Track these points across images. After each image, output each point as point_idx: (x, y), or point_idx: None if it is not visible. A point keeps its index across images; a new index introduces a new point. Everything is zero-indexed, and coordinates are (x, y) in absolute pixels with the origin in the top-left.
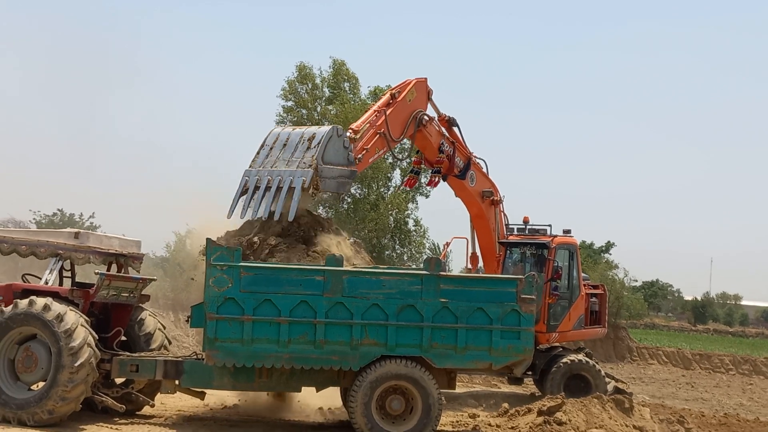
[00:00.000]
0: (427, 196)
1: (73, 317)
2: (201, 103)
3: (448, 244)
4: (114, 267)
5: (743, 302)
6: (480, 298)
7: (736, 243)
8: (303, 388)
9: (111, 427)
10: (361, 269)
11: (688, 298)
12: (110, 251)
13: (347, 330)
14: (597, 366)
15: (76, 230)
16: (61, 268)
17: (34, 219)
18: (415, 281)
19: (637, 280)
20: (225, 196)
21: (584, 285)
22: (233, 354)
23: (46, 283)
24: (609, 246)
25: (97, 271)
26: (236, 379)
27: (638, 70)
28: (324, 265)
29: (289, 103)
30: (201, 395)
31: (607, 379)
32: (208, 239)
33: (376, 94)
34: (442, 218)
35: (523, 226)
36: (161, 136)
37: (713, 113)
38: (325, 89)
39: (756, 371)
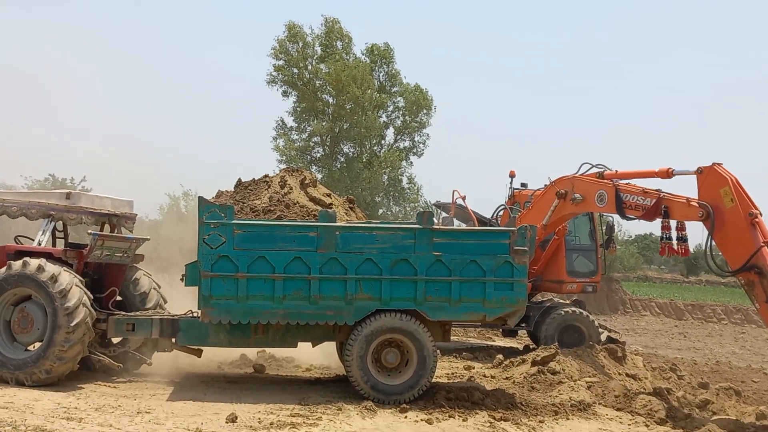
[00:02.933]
0: (420, 155)
1: (67, 277)
2: (189, 65)
3: (462, 197)
4: (107, 227)
5: None
6: (473, 251)
7: None
8: (299, 343)
9: (109, 386)
10: (354, 224)
11: None
12: (102, 211)
13: (341, 285)
14: (590, 317)
15: (67, 191)
16: (54, 229)
17: (25, 184)
18: (408, 235)
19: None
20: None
21: None
22: (229, 311)
23: (39, 244)
24: None
25: (90, 231)
26: (232, 336)
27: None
28: (317, 221)
29: (280, 62)
30: (198, 353)
31: (600, 330)
32: (200, 197)
33: (372, 51)
34: (436, 175)
35: None
36: (151, 99)
37: (700, 63)
38: (317, 48)
39: (748, 320)
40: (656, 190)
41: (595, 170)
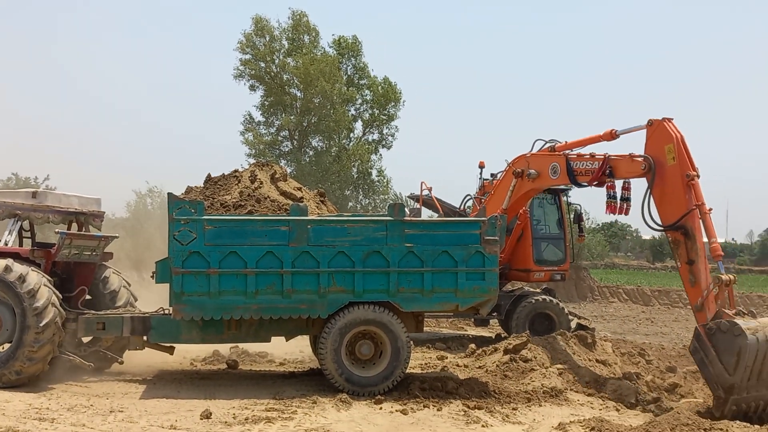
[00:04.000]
0: (389, 148)
1: (35, 277)
2: (156, 59)
3: (429, 188)
4: (75, 226)
5: None
6: (444, 242)
7: None
8: (272, 337)
9: (80, 386)
10: (325, 217)
11: (646, 237)
12: (70, 210)
13: (314, 278)
14: (560, 304)
15: (33, 190)
16: (21, 229)
17: None
18: (380, 227)
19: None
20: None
21: None
22: (201, 307)
23: (6, 244)
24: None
25: (57, 230)
26: (205, 332)
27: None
28: (289, 215)
29: (247, 56)
30: (170, 350)
31: (570, 317)
32: (169, 194)
33: (339, 44)
34: (405, 167)
35: None
36: (116, 94)
37: (671, 55)
38: (284, 42)
39: None
40: (604, 154)
41: (548, 145)
